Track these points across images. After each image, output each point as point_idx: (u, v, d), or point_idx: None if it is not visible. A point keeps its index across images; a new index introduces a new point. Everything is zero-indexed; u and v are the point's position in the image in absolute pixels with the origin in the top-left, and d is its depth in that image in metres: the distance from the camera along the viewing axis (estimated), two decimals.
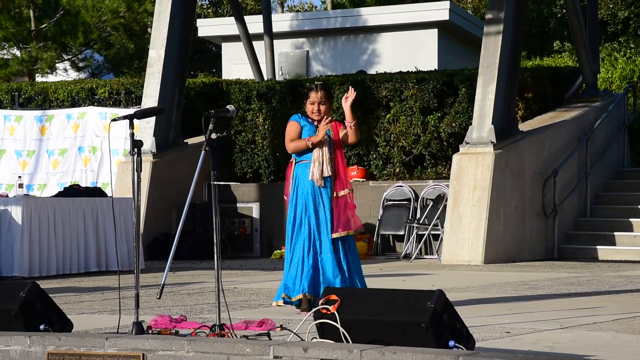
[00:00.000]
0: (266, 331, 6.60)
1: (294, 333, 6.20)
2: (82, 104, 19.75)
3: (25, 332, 6.30)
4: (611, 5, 28.21)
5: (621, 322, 7.46)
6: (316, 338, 5.92)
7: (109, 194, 14.55)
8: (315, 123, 8.28)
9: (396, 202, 17.03)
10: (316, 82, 8.51)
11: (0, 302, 6.49)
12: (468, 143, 15.24)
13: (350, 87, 8.38)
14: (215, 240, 6.59)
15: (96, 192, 14.23)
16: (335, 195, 8.22)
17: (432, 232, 16.40)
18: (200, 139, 17.69)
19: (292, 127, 8.31)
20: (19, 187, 13.51)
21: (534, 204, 15.80)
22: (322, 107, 8.23)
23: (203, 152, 6.77)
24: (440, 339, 5.53)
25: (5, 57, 26.83)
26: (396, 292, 5.92)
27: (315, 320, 5.92)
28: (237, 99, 18.51)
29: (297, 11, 43.80)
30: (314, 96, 8.24)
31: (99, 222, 13.51)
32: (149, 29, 27.93)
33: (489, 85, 15.20)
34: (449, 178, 15.69)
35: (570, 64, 22.53)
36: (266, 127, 18.32)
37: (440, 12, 23.05)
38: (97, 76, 29.39)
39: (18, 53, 26.56)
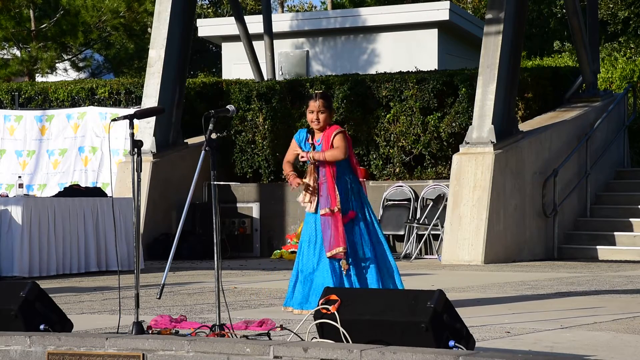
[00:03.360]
0: (266, 331, 6.60)
1: (294, 333, 6.20)
2: (82, 104, 19.75)
3: (25, 332, 6.30)
4: (611, 5, 28.22)
5: (621, 322, 7.46)
6: (316, 338, 5.92)
7: (109, 194, 14.54)
8: (311, 142, 8.19)
9: (396, 202, 17.03)
10: (316, 92, 8.39)
11: (0, 302, 6.49)
12: (468, 143, 15.24)
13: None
14: (215, 240, 6.59)
15: (96, 192, 14.22)
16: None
17: (432, 232, 16.40)
18: (200, 139, 17.69)
19: (291, 145, 8.27)
20: (19, 187, 13.51)
21: (534, 204, 15.80)
22: (321, 116, 8.14)
23: (203, 152, 6.76)
24: (440, 339, 5.53)
25: (5, 57, 26.82)
26: (396, 292, 5.93)
27: (315, 320, 5.92)
28: (237, 99, 18.51)
29: (297, 11, 43.80)
30: (312, 105, 8.16)
31: (99, 222, 13.51)
32: (149, 29, 27.93)
33: (489, 85, 15.20)
34: (449, 178, 15.69)
35: (570, 64, 22.52)
36: (266, 127, 18.32)
37: (440, 12, 23.05)
38: (97, 76, 29.39)
39: (18, 53, 26.55)
